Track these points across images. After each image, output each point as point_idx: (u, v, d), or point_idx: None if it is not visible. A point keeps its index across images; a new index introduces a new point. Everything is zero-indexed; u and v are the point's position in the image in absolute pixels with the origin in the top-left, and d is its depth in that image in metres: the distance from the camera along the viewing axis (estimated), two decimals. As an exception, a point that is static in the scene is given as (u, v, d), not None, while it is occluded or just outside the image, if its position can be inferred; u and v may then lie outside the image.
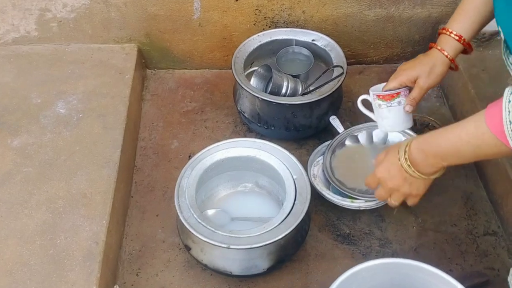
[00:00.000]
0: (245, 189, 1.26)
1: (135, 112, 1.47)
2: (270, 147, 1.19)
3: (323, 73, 1.33)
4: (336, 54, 1.41)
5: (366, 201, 1.20)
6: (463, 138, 0.79)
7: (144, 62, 1.63)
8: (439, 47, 1.09)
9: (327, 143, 1.33)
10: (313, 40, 1.46)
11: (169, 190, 1.33)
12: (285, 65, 1.45)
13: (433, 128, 1.45)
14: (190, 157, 1.41)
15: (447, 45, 1.08)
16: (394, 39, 1.58)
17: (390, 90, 1.12)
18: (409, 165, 0.88)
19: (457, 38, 1.07)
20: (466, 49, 1.09)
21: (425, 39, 1.58)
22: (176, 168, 1.38)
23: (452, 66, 1.10)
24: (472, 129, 0.78)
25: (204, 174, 1.16)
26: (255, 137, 1.44)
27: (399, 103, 1.12)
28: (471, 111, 1.28)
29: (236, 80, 1.34)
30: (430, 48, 1.12)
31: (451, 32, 1.07)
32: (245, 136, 1.46)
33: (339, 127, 1.34)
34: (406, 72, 1.10)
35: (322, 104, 1.33)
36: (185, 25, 1.54)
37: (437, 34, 1.55)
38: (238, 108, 1.41)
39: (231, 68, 1.37)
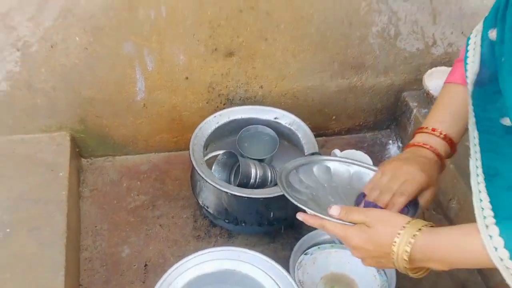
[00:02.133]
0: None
1: (75, 216, 1.23)
2: (252, 257, 1.00)
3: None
4: (304, 133, 1.28)
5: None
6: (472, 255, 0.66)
7: (79, 151, 1.39)
8: (428, 145, 0.87)
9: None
10: (275, 118, 1.31)
11: (127, 314, 1.09)
12: (247, 148, 1.29)
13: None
14: (146, 266, 1.18)
15: (438, 146, 0.87)
16: (356, 109, 1.48)
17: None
18: (407, 260, 0.70)
19: (447, 140, 0.87)
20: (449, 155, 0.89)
21: (387, 107, 1.50)
22: (132, 283, 1.15)
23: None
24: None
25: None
26: (220, 233, 1.26)
27: None
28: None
29: (198, 172, 1.15)
30: (408, 147, 0.90)
31: (441, 133, 0.87)
32: (208, 232, 1.26)
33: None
34: (415, 177, 0.82)
35: (298, 193, 1.17)
36: (127, 107, 1.33)
37: (400, 103, 1.48)
38: (200, 203, 1.22)
39: (190, 158, 1.18)
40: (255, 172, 1.20)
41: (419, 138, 0.89)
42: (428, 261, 0.70)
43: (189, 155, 1.19)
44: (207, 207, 1.20)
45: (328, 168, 1.00)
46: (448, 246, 0.68)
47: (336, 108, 1.46)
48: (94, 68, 1.23)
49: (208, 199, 1.19)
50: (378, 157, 1.47)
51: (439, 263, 0.69)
